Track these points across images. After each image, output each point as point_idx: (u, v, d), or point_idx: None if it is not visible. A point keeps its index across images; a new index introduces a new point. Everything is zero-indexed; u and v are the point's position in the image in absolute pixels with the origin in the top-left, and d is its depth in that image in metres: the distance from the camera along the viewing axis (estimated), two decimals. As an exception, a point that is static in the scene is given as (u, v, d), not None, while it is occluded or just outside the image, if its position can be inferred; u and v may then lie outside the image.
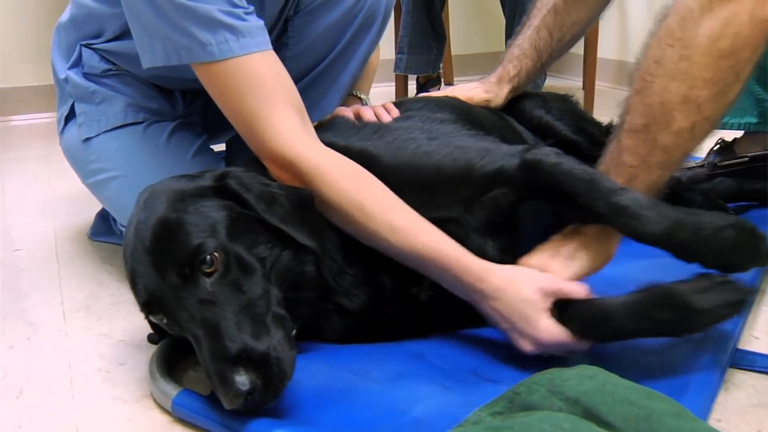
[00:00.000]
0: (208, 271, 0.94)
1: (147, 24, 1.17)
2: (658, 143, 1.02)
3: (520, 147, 1.15)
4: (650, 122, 1.02)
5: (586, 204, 1.03)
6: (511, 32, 2.78)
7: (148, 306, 0.98)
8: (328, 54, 1.50)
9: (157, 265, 0.95)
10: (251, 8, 1.18)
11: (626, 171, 1.05)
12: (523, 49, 1.52)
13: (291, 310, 0.99)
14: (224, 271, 0.94)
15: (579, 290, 1.01)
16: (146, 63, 1.21)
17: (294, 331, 1.04)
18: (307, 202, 1.05)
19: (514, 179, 1.10)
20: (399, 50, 2.90)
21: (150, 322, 1.06)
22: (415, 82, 3.12)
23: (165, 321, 0.98)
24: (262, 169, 1.14)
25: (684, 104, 0.99)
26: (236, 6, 1.15)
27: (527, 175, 1.09)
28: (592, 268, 1.08)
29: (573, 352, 1.01)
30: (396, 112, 1.28)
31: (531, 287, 1.00)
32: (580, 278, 1.06)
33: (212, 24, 1.12)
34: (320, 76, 1.52)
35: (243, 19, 1.14)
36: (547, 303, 0.99)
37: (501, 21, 2.88)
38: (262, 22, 1.18)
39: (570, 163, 1.07)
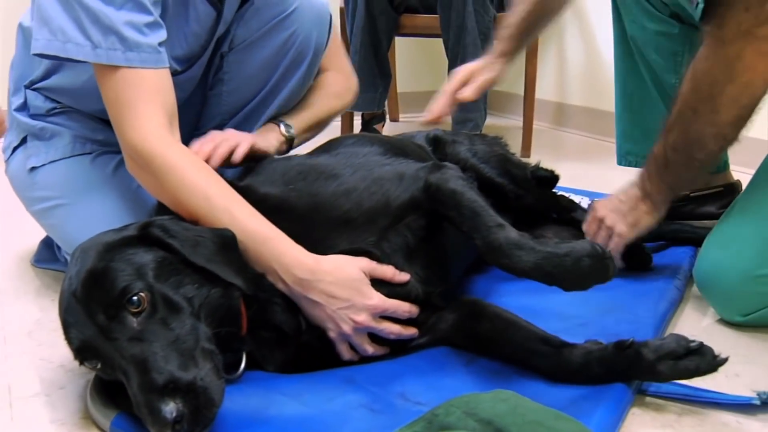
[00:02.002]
0: (135, 310, 0.98)
1: (44, 11, 1.24)
2: (695, 158, 1.37)
3: (427, 166, 1.24)
4: (689, 147, 1.36)
5: (467, 234, 1.14)
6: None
7: (80, 352, 1.02)
8: (262, 89, 1.57)
9: (87, 312, 0.99)
10: (152, 18, 1.25)
11: (672, 171, 1.39)
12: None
13: (225, 345, 1.04)
14: (151, 311, 0.99)
15: (387, 270, 1.17)
16: (32, 49, 1.27)
17: (243, 364, 1.11)
18: (230, 243, 1.11)
19: (420, 204, 1.19)
20: None
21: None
22: (360, 118, 3.21)
23: (99, 366, 1.02)
24: None
25: (715, 137, 1.33)
26: (146, 12, 1.24)
27: (429, 200, 1.19)
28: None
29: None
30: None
31: (354, 268, 1.14)
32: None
33: (108, 30, 1.21)
34: (254, 111, 1.59)
35: (141, 33, 1.23)
36: (368, 279, 1.14)
37: (444, 61, 2.99)
38: (158, 40, 1.26)
39: (463, 193, 1.16)
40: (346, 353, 1.16)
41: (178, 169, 1.18)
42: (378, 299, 1.13)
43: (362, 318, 1.12)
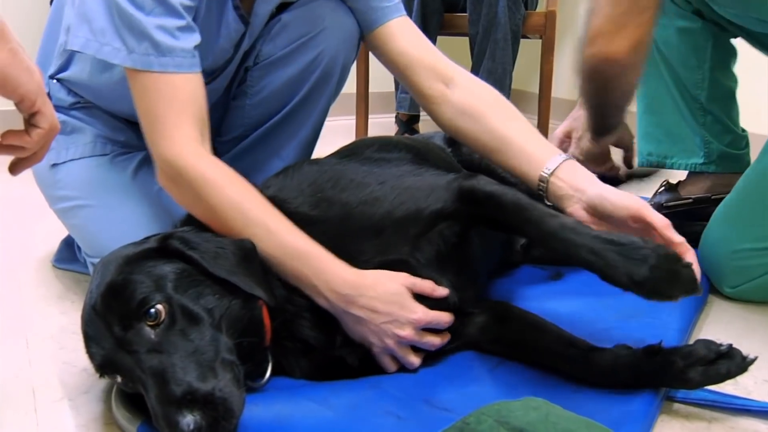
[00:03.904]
0: (154, 322, 0.98)
1: (87, 9, 1.23)
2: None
3: (458, 176, 1.23)
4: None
5: (519, 232, 1.14)
6: (477, 72, 2.89)
7: (102, 367, 1.01)
8: (285, 106, 1.56)
9: (107, 325, 0.99)
10: (184, 22, 1.24)
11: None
12: None
13: (247, 355, 1.04)
14: (170, 322, 0.98)
15: (427, 285, 1.15)
16: (69, 44, 1.27)
17: (269, 372, 1.10)
18: (251, 254, 1.11)
19: (454, 211, 1.18)
20: (401, 90, 3.03)
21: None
22: (379, 117, 3.24)
23: (120, 380, 1.01)
24: None
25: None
26: (177, 16, 1.22)
27: (464, 205, 1.17)
28: None
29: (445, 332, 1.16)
30: None
31: (395, 283, 1.12)
32: None
33: (141, 35, 1.19)
34: (279, 126, 1.57)
35: (174, 37, 1.21)
36: (409, 293, 1.12)
37: (468, 61, 2.98)
38: (192, 44, 1.24)
39: (502, 194, 1.15)
40: (390, 366, 1.15)
41: (212, 182, 1.16)
42: (421, 313, 1.12)
43: (406, 332, 1.11)
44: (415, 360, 1.14)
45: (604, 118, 1.58)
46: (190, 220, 1.21)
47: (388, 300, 1.11)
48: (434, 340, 1.14)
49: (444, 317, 1.15)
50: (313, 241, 1.13)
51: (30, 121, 0.97)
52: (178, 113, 1.20)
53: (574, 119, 1.71)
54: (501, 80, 2.87)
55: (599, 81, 1.46)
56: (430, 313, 1.13)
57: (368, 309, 1.10)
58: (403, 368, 1.16)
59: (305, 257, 1.12)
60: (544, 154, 1.29)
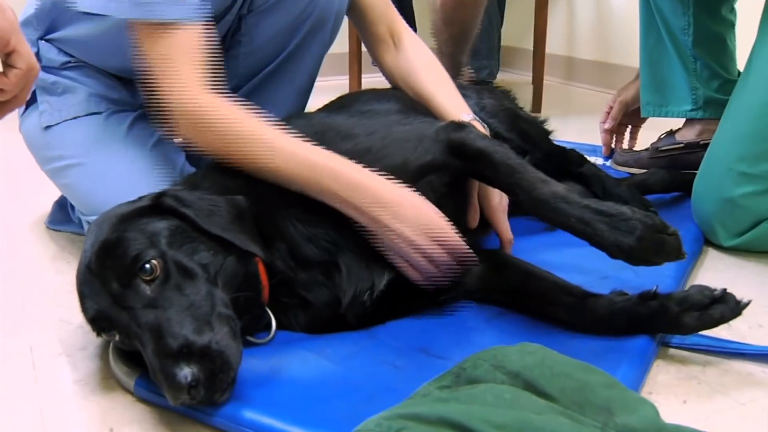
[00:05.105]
0: (148, 278, 0.97)
1: None
2: None
3: (446, 126, 1.22)
4: None
5: (509, 193, 1.14)
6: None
7: (96, 322, 1.01)
8: (281, 53, 1.54)
9: (101, 282, 0.98)
10: None
11: None
12: None
13: (243, 310, 1.04)
14: (165, 278, 0.98)
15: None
16: (80, 5, 1.26)
17: (273, 328, 1.10)
18: (244, 211, 1.10)
19: (444, 165, 1.18)
20: None
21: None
22: (372, 76, 3.19)
23: (117, 337, 1.01)
24: (212, 179, 1.19)
25: None
26: None
27: (454, 158, 1.17)
28: None
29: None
30: None
31: (430, 209, 1.13)
32: None
33: None
34: (275, 74, 1.56)
35: None
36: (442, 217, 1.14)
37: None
38: None
39: (493, 151, 1.15)
40: (406, 269, 1.15)
41: (229, 118, 1.16)
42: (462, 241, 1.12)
43: (442, 255, 1.11)
44: (425, 264, 1.13)
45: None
46: (185, 180, 1.21)
47: (434, 220, 1.11)
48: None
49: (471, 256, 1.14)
50: (343, 158, 1.13)
51: (6, 62, 0.95)
52: (192, 58, 1.19)
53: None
54: (488, 30, 2.83)
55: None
56: (464, 248, 1.12)
57: (409, 229, 1.10)
58: (397, 316, 1.17)
59: (336, 173, 1.11)
60: (459, 111, 1.41)
